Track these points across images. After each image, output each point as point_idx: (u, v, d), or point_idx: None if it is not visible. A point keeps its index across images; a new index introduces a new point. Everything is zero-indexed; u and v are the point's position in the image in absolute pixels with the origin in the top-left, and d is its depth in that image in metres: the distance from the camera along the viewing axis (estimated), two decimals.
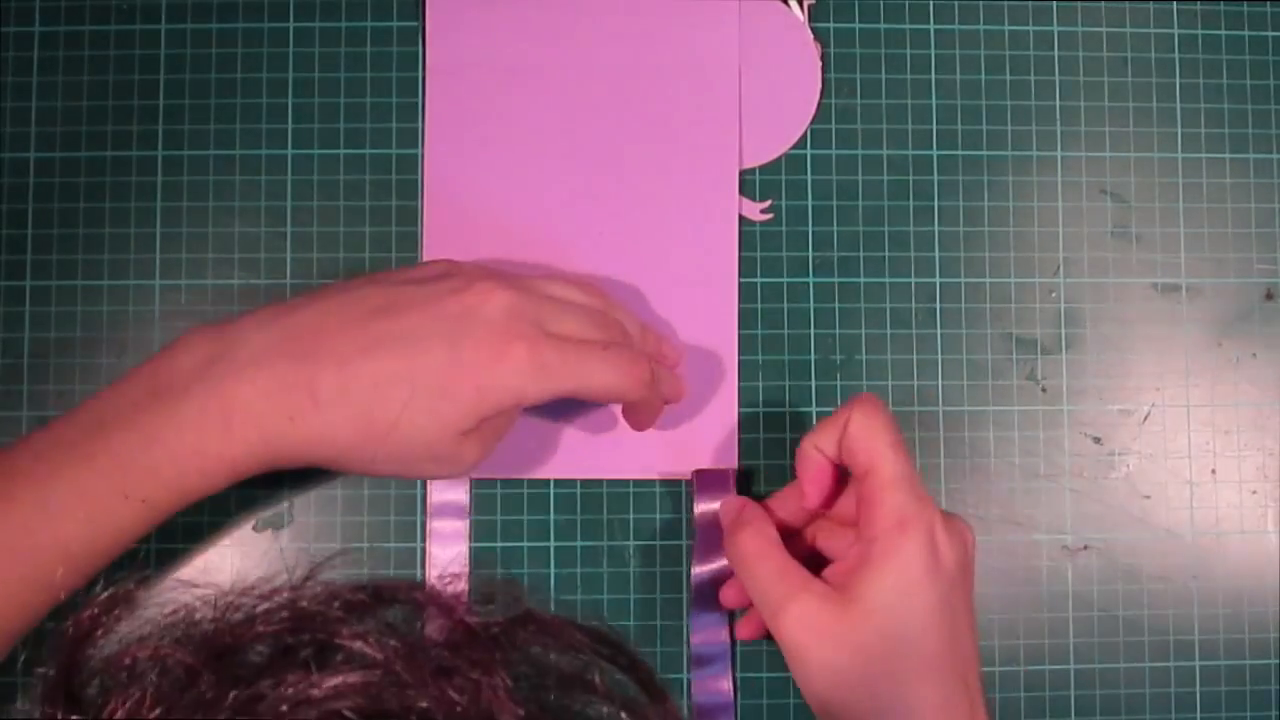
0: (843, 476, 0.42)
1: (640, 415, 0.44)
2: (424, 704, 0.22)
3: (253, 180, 0.47)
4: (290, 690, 0.22)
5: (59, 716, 0.23)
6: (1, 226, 0.47)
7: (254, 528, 0.46)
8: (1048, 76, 0.48)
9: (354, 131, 0.47)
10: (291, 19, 0.47)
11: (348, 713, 0.22)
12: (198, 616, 0.25)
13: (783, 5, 0.48)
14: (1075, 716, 0.46)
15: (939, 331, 0.47)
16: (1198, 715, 0.46)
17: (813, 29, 0.48)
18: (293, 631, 0.24)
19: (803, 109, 0.48)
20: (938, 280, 0.47)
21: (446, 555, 0.45)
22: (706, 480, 0.45)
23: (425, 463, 0.38)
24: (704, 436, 0.46)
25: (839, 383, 0.47)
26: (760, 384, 0.47)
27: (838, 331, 0.47)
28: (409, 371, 0.36)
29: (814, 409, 0.47)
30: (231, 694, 0.22)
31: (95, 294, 0.46)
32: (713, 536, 0.44)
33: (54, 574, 0.36)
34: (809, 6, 0.48)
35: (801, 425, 0.47)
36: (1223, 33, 0.49)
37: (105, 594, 0.26)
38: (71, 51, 0.47)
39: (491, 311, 0.38)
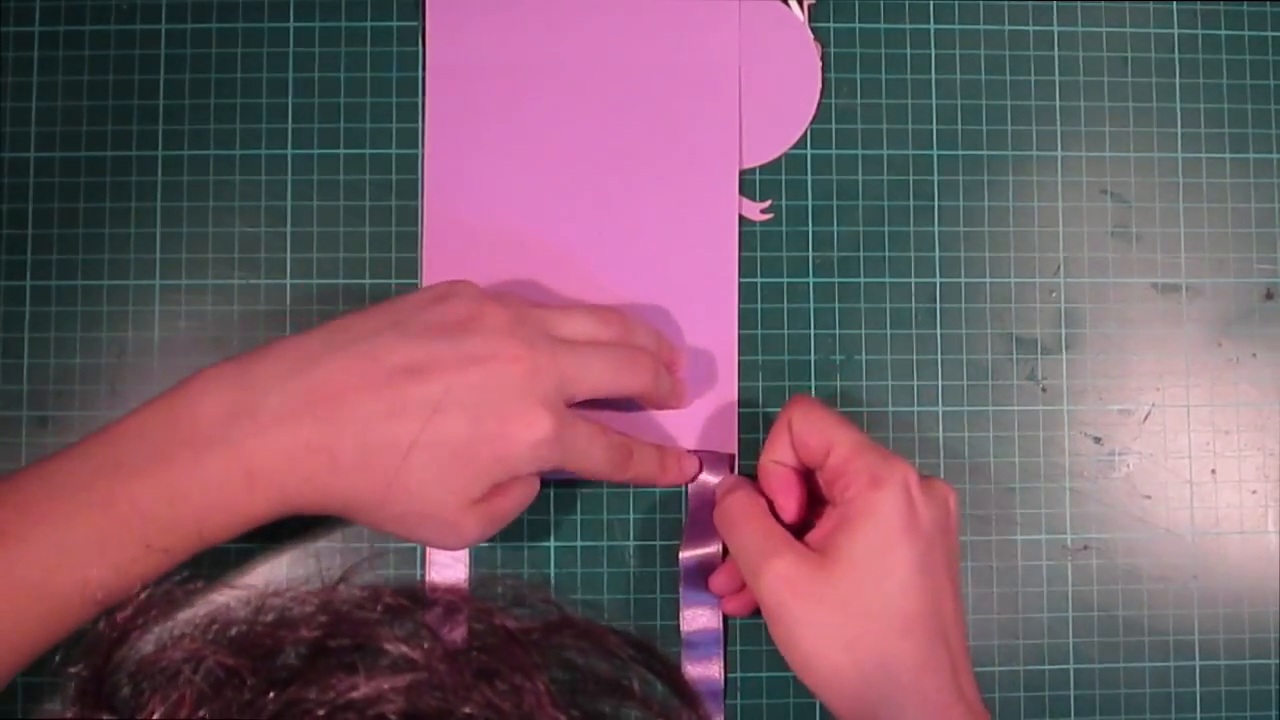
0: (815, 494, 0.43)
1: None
2: (467, 709, 0.22)
3: (253, 180, 0.47)
4: (332, 693, 0.22)
5: (93, 717, 0.23)
6: (1, 226, 0.47)
7: None
8: (1048, 76, 0.48)
9: (354, 131, 0.47)
10: (291, 19, 0.47)
11: (390, 715, 0.22)
12: (234, 617, 0.25)
13: (783, 5, 0.48)
14: (1075, 716, 0.46)
15: (939, 331, 0.47)
16: (1198, 715, 0.46)
17: (813, 29, 0.48)
18: (331, 634, 0.24)
19: (803, 109, 0.48)
20: (938, 280, 0.47)
21: (446, 555, 0.45)
22: (707, 461, 0.45)
23: (427, 527, 0.38)
24: (704, 436, 0.46)
25: (839, 383, 0.47)
26: (760, 384, 0.47)
27: (838, 331, 0.47)
28: (430, 442, 0.37)
29: None
30: (270, 695, 0.22)
31: (95, 294, 0.46)
32: (704, 519, 0.44)
33: (72, 612, 0.36)
34: (809, 6, 0.48)
35: None
36: (1223, 33, 0.49)
37: (144, 595, 0.26)
38: (71, 51, 0.47)
39: (516, 380, 0.38)
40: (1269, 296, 0.48)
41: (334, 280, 0.47)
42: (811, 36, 0.48)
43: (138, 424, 0.37)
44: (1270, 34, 0.49)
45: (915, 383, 0.47)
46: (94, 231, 0.47)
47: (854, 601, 0.38)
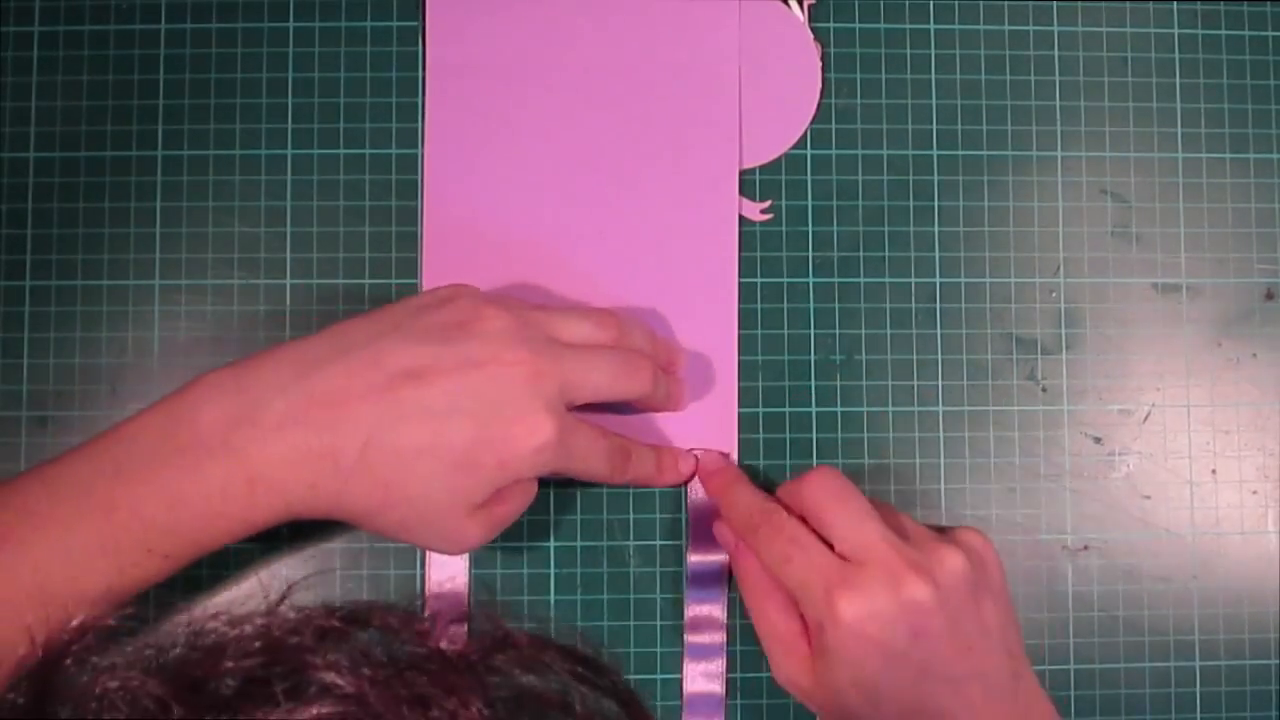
0: None
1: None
2: None
3: (253, 180, 0.47)
4: None
5: None
6: (1, 226, 0.47)
7: None
8: (1048, 76, 0.48)
9: (354, 131, 0.47)
10: (291, 19, 0.47)
11: None
12: (169, 644, 0.24)
13: (783, 5, 0.48)
14: (1075, 717, 0.46)
15: (939, 331, 0.47)
16: (1198, 715, 0.46)
17: (813, 29, 0.48)
18: (265, 663, 0.23)
19: (803, 109, 0.48)
20: (938, 280, 0.47)
21: (446, 555, 0.45)
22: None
23: (428, 532, 0.38)
24: (703, 436, 0.46)
25: (839, 383, 0.47)
26: (760, 384, 0.47)
27: (838, 331, 0.47)
28: (433, 447, 0.37)
29: (814, 409, 0.47)
30: None
31: (95, 294, 0.46)
32: (708, 525, 0.45)
33: (70, 617, 0.36)
34: (809, 6, 0.48)
35: (802, 425, 0.47)
36: (1223, 33, 0.49)
37: (77, 622, 0.25)
38: (71, 51, 0.47)
39: (519, 384, 0.38)
40: (1269, 296, 0.48)
41: (334, 280, 0.47)
42: (811, 36, 0.48)
43: (139, 429, 0.37)
44: (1270, 34, 0.49)
45: (915, 383, 0.47)
46: (94, 231, 0.47)
47: (849, 694, 0.39)
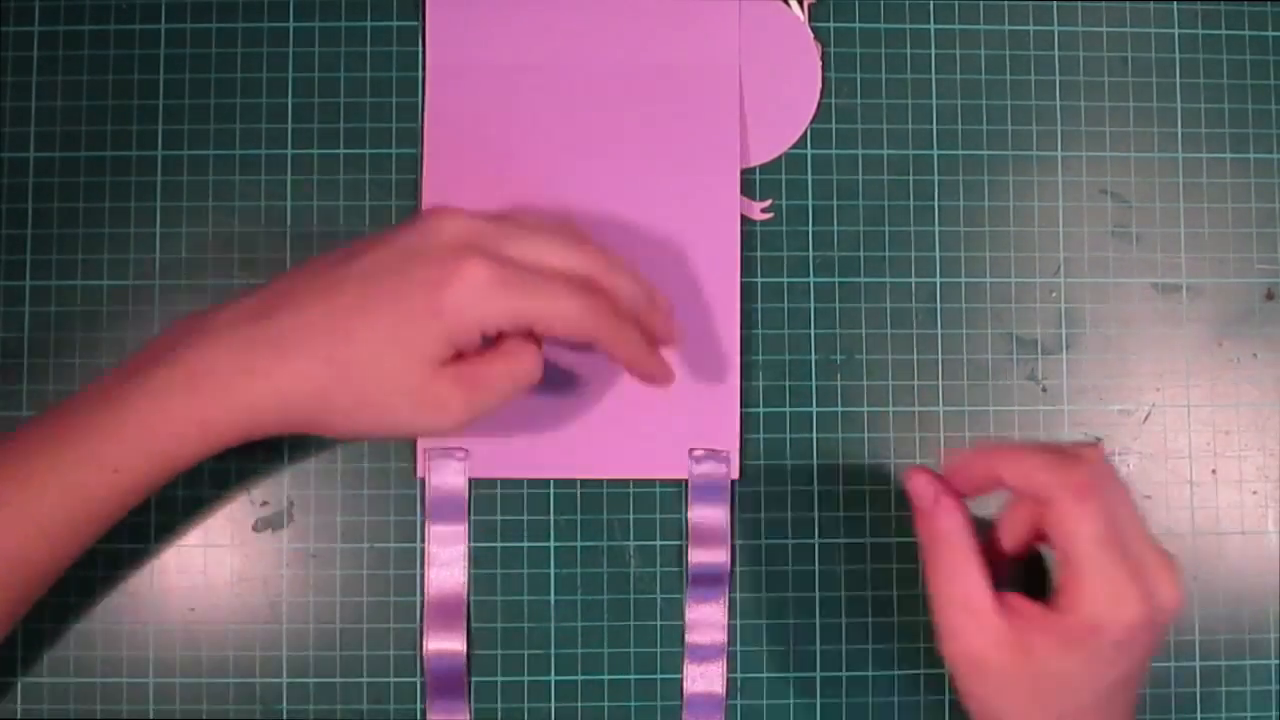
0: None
1: (637, 364, 0.40)
2: None
3: (253, 180, 0.47)
4: None
5: None
6: (1, 226, 0.47)
7: (254, 528, 0.46)
8: (1048, 76, 0.48)
9: (354, 131, 0.47)
10: (291, 19, 0.47)
11: None
12: None
13: (783, 5, 0.48)
14: None
15: (939, 331, 0.47)
16: (1198, 715, 0.46)
17: (813, 28, 0.48)
18: None
19: (803, 108, 0.48)
20: (938, 280, 0.47)
21: (446, 555, 0.45)
22: (707, 458, 0.46)
23: (403, 406, 0.37)
24: (705, 435, 0.46)
25: (839, 383, 0.47)
26: (760, 384, 0.47)
27: (838, 331, 0.47)
28: (362, 303, 0.36)
29: (814, 409, 0.47)
30: None
31: (95, 294, 0.46)
32: (710, 521, 0.44)
33: (34, 552, 0.36)
34: (809, 6, 0.48)
35: (802, 425, 0.47)
36: (1223, 32, 0.49)
37: None
38: (71, 51, 0.47)
39: (446, 236, 0.37)
40: (1269, 296, 0.48)
41: None
42: (812, 36, 0.48)
43: (106, 374, 0.38)
44: (1270, 34, 0.49)
45: (916, 383, 0.47)
46: (94, 231, 0.47)
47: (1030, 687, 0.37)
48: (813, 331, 0.47)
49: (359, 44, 0.47)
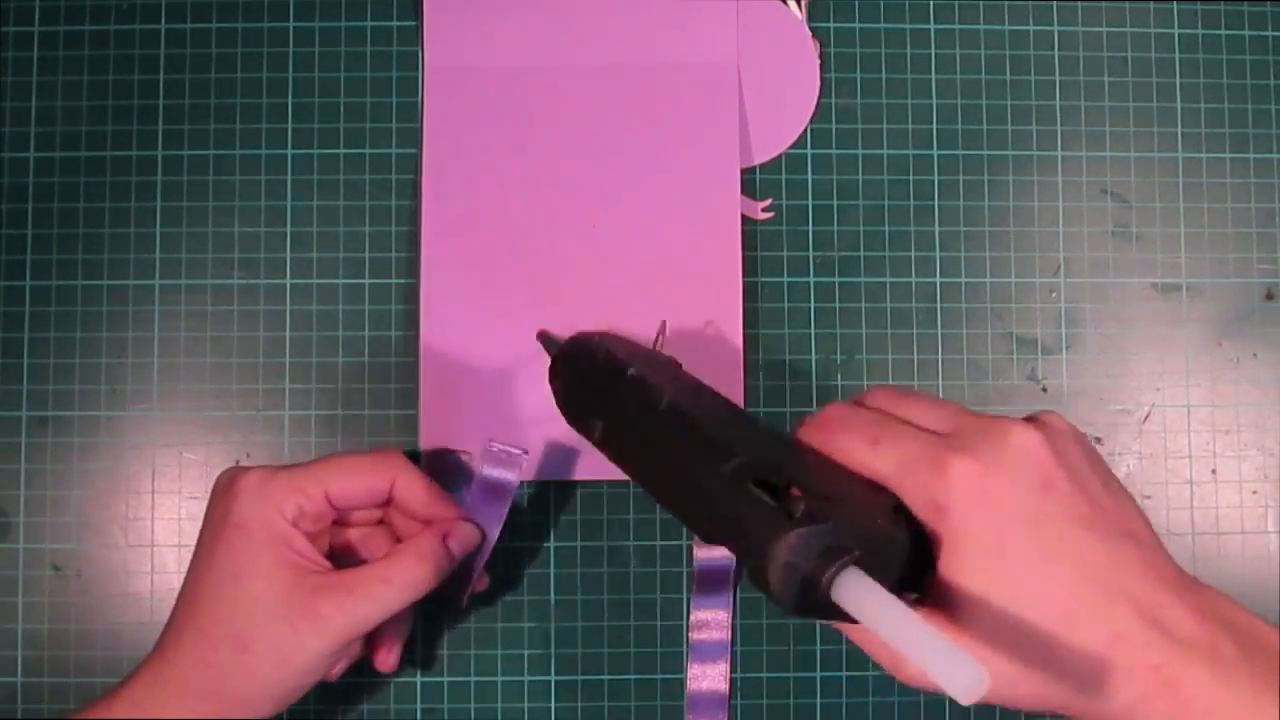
0: None
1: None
2: None
3: (253, 180, 0.47)
4: None
5: None
6: (1, 226, 0.47)
7: None
8: (1048, 76, 0.48)
9: (354, 131, 0.47)
10: (291, 19, 0.47)
11: None
12: None
13: (781, 4, 0.48)
14: None
15: (939, 331, 0.47)
16: None
17: (812, 28, 0.48)
18: None
19: (803, 108, 0.48)
20: (938, 280, 0.47)
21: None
22: None
23: (274, 629, 0.37)
24: None
25: (839, 383, 0.47)
26: (761, 384, 0.47)
27: (838, 331, 0.47)
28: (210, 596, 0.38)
29: (814, 409, 0.47)
30: None
31: (95, 294, 0.46)
32: None
33: None
34: (807, 5, 0.48)
35: None
36: (1223, 32, 0.49)
37: None
38: (71, 51, 0.47)
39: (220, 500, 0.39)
40: (1269, 296, 0.48)
41: (334, 280, 0.47)
42: (811, 35, 0.48)
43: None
44: (1270, 34, 0.49)
45: (916, 382, 0.47)
46: (94, 231, 0.47)
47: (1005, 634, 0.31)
48: (813, 331, 0.47)
49: (359, 44, 0.47)
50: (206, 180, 0.47)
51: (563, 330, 0.44)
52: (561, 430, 0.45)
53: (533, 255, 0.46)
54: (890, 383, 0.47)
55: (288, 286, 0.47)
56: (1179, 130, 0.48)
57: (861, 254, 0.47)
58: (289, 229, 0.47)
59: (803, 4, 0.48)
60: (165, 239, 0.47)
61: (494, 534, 0.42)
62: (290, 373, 0.46)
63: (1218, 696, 0.30)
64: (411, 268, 0.47)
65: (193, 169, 0.47)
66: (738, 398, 0.46)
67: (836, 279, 0.47)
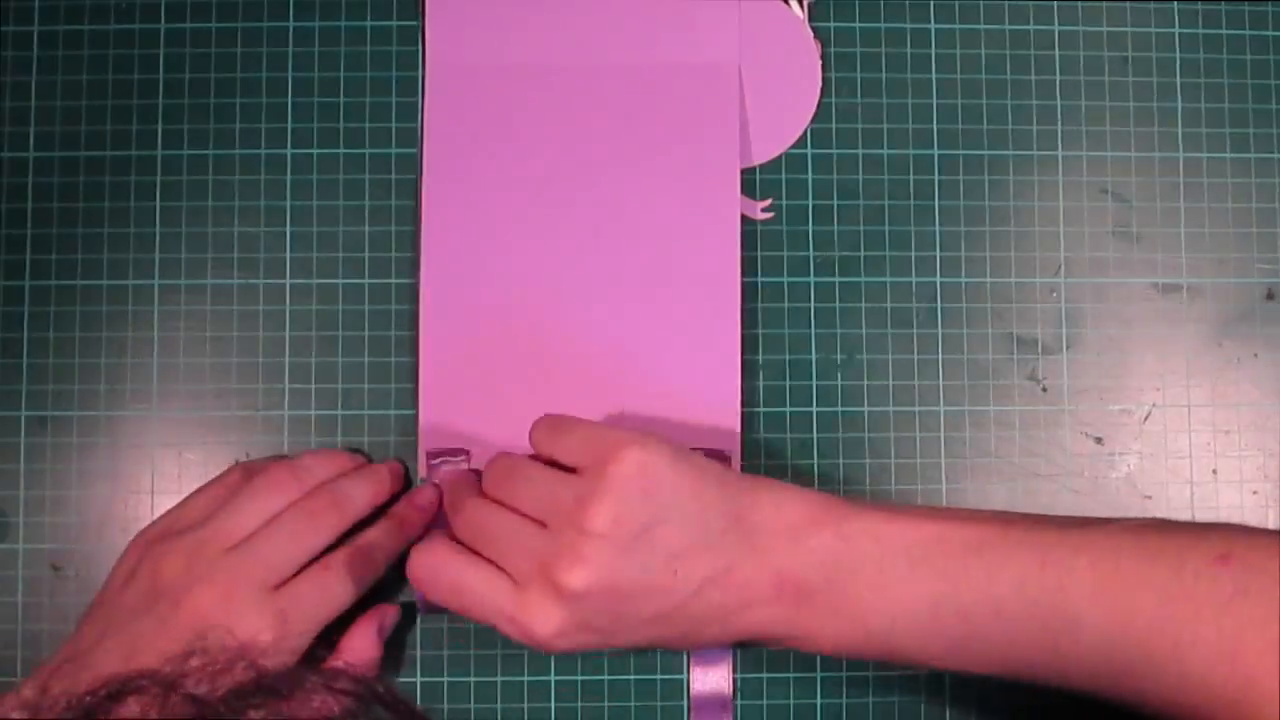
0: None
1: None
2: None
3: (252, 180, 0.47)
4: None
5: None
6: (1, 226, 0.47)
7: None
8: (1048, 76, 0.48)
9: (354, 131, 0.47)
10: (291, 19, 0.47)
11: None
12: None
13: (783, 4, 0.48)
14: (1076, 716, 0.46)
15: (940, 331, 0.47)
16: None
17: (813, 28, 0.48)
18: None
19: (803, 108, 0.48)
20: (938, 280, 0.47)
21: None
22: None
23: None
24: (705, 435, 0.46)
25: (839, 383, 0.47)
26: (761, 384, 0.47)
27: (838, 331, 0.47)
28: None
29: (814, 409, 0.47)
30: None
31: (95, 294, 0.46)
32: None
33: None
34: (809, 5, 0.48)
35: (802, 425, 0.46)
36: (1223, 32, 0.49)
37: None
38: (71, 51, 0.47)
39: (217, 611, 0.39)
40: (1270, 296, 0.48)
41: (334, 280, 0.47)
42: (812, 35, 0.48)
43: None
44: (1270, 33, 0.49)
45: (916, 382, 0.47)
46: (94, 231, 0.47)
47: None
48: (813, 331, 0.47)
49: (359, 44, 0.47)
50: (206, 180, 0.47)
51: (561, 338, 0.45)
52: None
53: (533, 255, 0.46)
54: (889, 383, 0.47)
55: (288, 286, 0.47)
56: (1179, 130, 0.48)
57: (861, 254, 0.47)
58: (289, 229, 0.47)
59: (805, 4, 0.48)
60: (165, 239, 0.47)
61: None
62: (290, 373, 0.46)
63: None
64: (412, 268, 0.46)
65: (192, 169, 0.47)
66: (734, 400, 0.46)
67: (836, 279, 0.47)
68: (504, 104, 0.47)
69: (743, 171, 0.47)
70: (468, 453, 0.45)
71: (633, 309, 0.45)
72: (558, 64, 0.47)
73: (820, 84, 0.48)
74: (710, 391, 0.46)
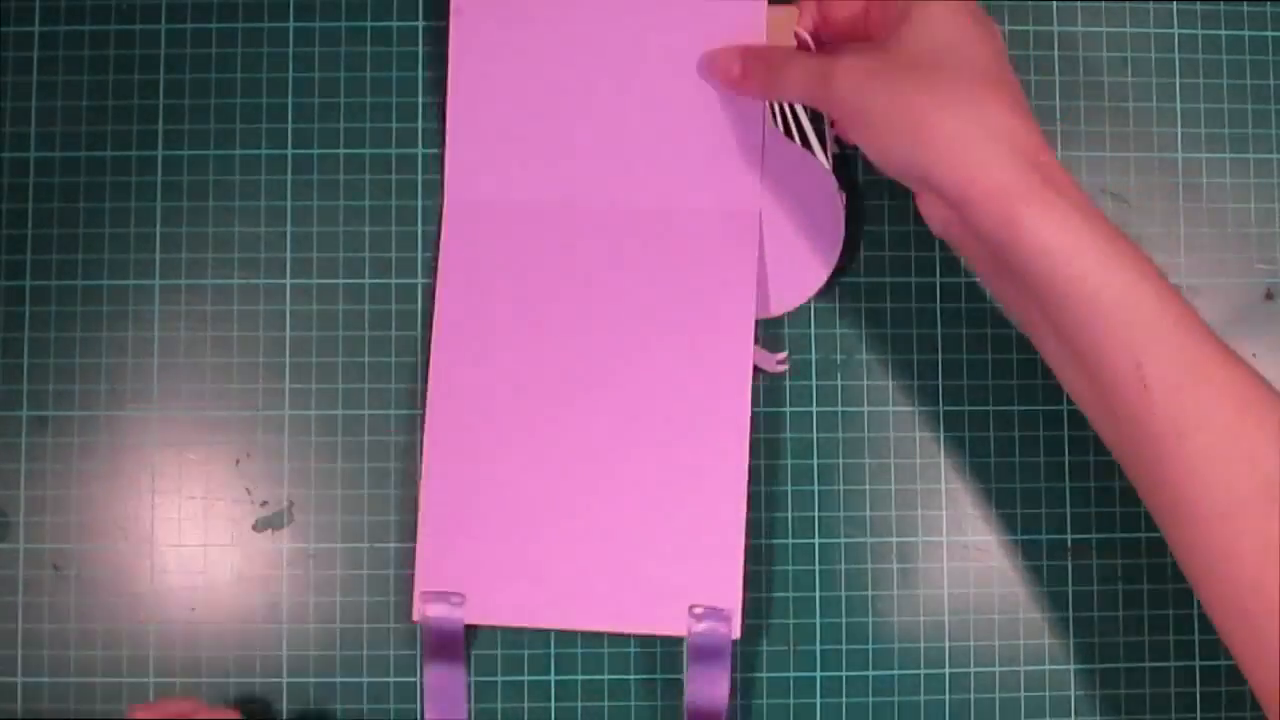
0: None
1: None
2: None
3: (253, 180, 0.47)
4: None
5: None
6: (1, 226, 0.47)
7: (254, 527, 0.46)
8: (1048, 76, 0.48)
9: (354, 131, 0.47)
10: (291, 19, 0.47)
11: None
12: None
13: (809, 154, 0.45)
14: (1075, 716, 0.46)
15: (940, 331, 0.47)
16: (1198, 715, 0.46)
17: (838, 178, 0.48)
18: None
19: (824, 261, 0.46)
20: (938, 280, 0.47)
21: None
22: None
23: None
24: (707, 591, 0.44)
25: (839, 383, 0.47)
26: (760, 384, 0.47)
27: (838, 331, 0.47)
28: None
29: (814, 408, 0.47)
30: None
31: (95, 294, 0.46)
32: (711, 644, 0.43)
33: None
34: (834, 157, 0.45)
35: (802, 425, 0.47)
36: (1223, 32, 0.49)
37: None
38: (71, 51, 0.47)
39: None
40: (1269, 297, 0.48)
41: (334, 280, 0.47)
42: (836, 185, 0.45)
43: None
44: (1270, 34, 0.49)
45: (916, 382, 0.47)
46: (94, 231, 0.47)
47: (933, 66, 0.38)
48: (813, 331, 0.47)
49: (359, 44, 0.47)
50: (206, 180, 0.47)
51: (563, 484, 0.44)
52: (549, 574, 0.44)
53: (539, 395, 0.45)
54: (889, 383, 0.47)
55: (288, 286, 0.47)
56: (1179, 130, 0.48)
57: (861, 254, 0.47)
58: (289, 229, 0.47)
59: (829, 155, 0.46)
60: (165, 239, 0.47)
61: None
62: (290, 373, 0.46)
63: (1055, 241, 0.36)
64: (412, 267, 0.46)
65: (193, 169, 0.47)
66: (736, 554, 0.44)
67: (836, 279, 0.47)
68: (519, 241, 0.46)
69: (759, 322, 0.46)
70: (463, 595, 0.44)
71: (639, 455, 0.44)
72: (576, 202, 0.46)
73: (843, 235, 0.46)
74: (712, 546, 0.44)
